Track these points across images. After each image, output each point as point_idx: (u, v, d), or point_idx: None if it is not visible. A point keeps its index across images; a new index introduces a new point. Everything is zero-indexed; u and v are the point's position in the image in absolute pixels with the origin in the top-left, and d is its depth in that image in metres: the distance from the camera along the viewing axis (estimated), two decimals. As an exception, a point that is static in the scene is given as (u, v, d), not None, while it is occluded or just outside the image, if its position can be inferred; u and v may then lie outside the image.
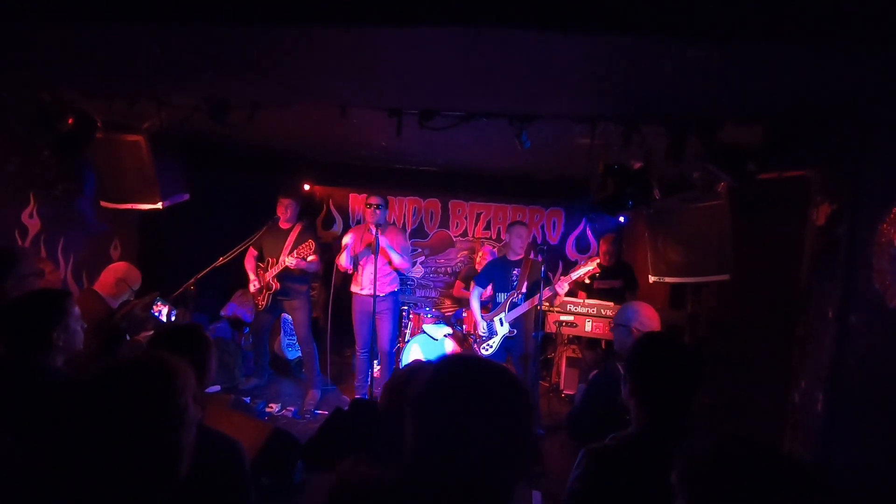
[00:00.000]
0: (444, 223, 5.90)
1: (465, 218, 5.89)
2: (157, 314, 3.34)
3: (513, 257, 3.80)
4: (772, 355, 3.05)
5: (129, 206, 3.38)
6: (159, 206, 3.33)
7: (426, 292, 5.85)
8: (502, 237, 5.81)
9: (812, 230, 2.76)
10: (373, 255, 3.89)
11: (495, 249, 5.55)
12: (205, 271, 3.94)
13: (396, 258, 4.05)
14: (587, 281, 3.63)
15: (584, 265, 3.62)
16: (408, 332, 4.95)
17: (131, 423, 0.91)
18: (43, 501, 0.94)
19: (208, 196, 3.99)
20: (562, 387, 4.84)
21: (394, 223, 4.27)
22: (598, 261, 3.62)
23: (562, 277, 3.64)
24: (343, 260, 4.11)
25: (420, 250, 5.81)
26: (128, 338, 2.87)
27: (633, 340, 1.81)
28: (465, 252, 5.83)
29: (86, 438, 0.91)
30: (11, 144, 3.11)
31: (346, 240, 4.16)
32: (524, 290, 3.69)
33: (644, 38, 1.23)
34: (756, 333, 3.31)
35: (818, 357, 2.45)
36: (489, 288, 4.00)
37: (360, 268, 4.17)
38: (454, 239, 5.90)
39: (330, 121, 2.34)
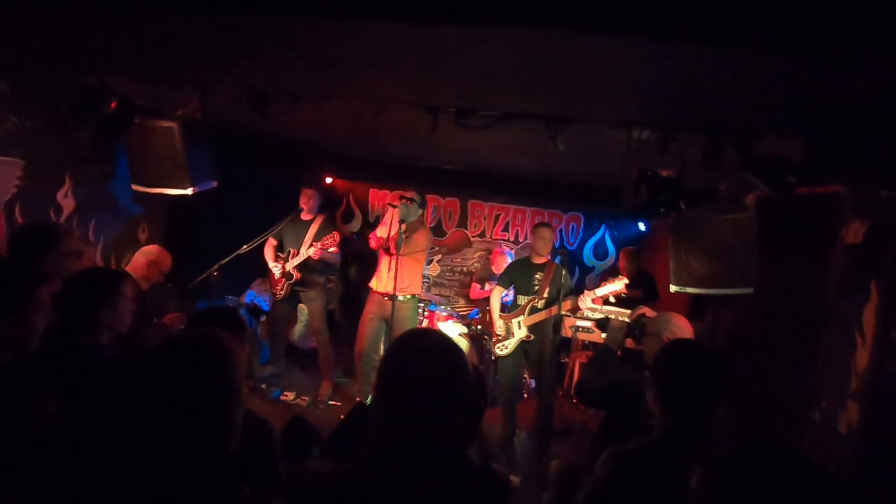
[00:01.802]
0: (463, 223, 5.92)
1: (484, 218, 5.91)
2: None
3: (536, 260, 3.78)
4: (791, 372, 3.03)
5: (159, 190, 3.45)
6: (189, 191, 3.39)
7: (441, 290, 5.87)
8: (520, 239, 5.82)
9: (841, 246, 2.74)
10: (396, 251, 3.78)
11: (512, 251, 5.58)
12: (228, 258, 4.01)
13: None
14: (612, 300, 3.56)
15: (611, 283, 3.53)
16: (422, 329, 4.98)
17: (191, 399, 0.92)
18: (89, 476, 0.94)
19: (233, 185, 4.04)
20: (574, 392, 4.83)
21: (422, 224, 4.10)
22: (625, 281, 3.53)
23: (586, 293, 3.60)
24: (380, 231, 3.92)
25: (437, 248, 5.84)
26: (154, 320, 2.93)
27: None
28: (482, 252, 5.85)
29: (144, 414, 0.92)
30: (52, 125, 3.20)
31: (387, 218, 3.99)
32: (545, 295, 3.68)
33: (714, 47, 1.23)
34: (776, 349, 3.28)
35: (843, 375, 2.43)
36: (510, 289, 4.00)
37: (381, 262, 4.04)
38: (471, 239, 5.92)
39: (365, 116, 2.37)
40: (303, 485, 0.98)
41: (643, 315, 2.31)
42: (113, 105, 2.54)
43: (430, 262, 5.75)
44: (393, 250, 3.68)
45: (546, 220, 5.72)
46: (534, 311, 3.69)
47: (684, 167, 2.13)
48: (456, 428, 0.96)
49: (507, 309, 3.94)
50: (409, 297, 4.01)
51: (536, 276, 3.74)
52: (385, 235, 3.88)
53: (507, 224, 5.88)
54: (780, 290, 3.08)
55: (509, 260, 5.31)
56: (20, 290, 1.33)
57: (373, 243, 4.02)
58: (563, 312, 3.55)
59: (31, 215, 3.15)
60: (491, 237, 5.88)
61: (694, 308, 4.40)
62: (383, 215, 5.10)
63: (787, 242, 3.14)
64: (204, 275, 3.93)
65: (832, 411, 2.59)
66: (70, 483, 0.90)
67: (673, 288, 3.28)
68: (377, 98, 2.19)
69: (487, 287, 5.11)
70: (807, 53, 1.33)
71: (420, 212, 3.96)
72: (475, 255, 5.91)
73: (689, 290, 3.21)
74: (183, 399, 0.91)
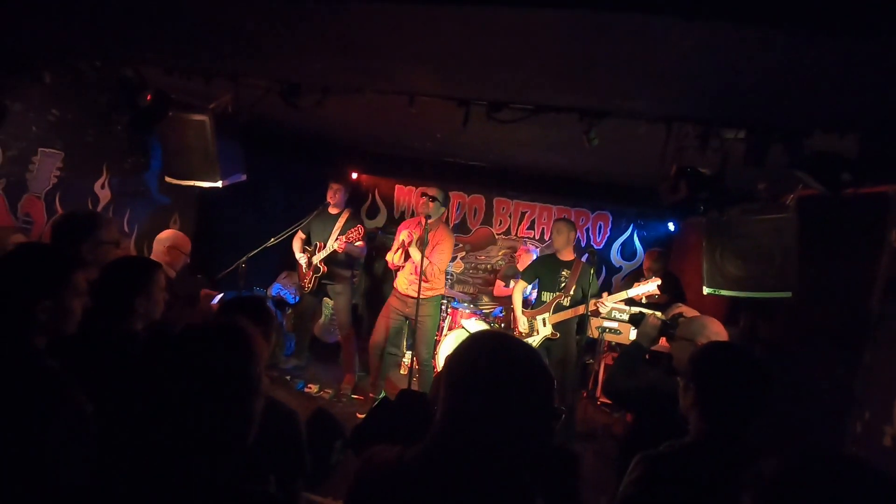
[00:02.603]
0: (488, 220, 5.88)
1: (509, 216, 5.85)
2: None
3: (563, 257, 3.71)
4: (831, 382, 2.90)
5: (190, 182, 3.52)
6: (219, 184, 3.45)
7: (465, 287, 5.85)
8: (545, 237, 5.74)
9: (889, 253, 2.60)
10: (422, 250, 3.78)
11: (538, 249, 5.51)
12: (256, 251, 4.07)
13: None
14: (644, 301, 3.45)
15: (644, 283, 3.44)
16: (445, 326, 4.96)
17: (209, 387, 0.91)
18: (118, 463, 0.95)
19: (262, 179, 4.11)
20: (598, 394, 4.75)
21: (445, 221, 4.10)
22: (658, 282, 3.41)
23: (605, 296, 3.52)
24: (393, 258, 3.99)
25: (461, 245, 5.80)
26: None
27: None
28: (507, 250, 5.79)
29: (163, 400, 0.92)
30: (90, 117, 3.30)
31: (403, 236, 4.03)
32: (571, 293, 3.61)
33: (759, 30, 1.16)
34: (815, 358, 3.14)
35: (889, 387, 2.31)
36: (533, 285, 3.95)
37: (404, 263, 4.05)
38: (496, 236, 5.87)
39: (395, 109, 2.35)
40: (368, 469, 0.95)
41: (680, 315, 2.23)
42: (148, 97, 2.59)
43: (454, 259, 5.74)
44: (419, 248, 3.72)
45: (572, 219, 5.64)
46: (559, 308, 3.63)
47: (726, 164, 2.04)
48: (527, 442, 0.91)
49: (531, 305, 3.89)
50: (431, 297, 4.04)
51: (563, 272, 3.68)
52: (398, 263, 4.01)
53: (533, 222, 5.81)
54: (822, 295, 2.95)
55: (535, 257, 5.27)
56: (58, 275, 1.35)
57: (392, 266, 4.11)
58: (588, 312, 3.49)
59: (70, 205, 3.25)
60: (516, 235, 5.82)
61: (728, 313, 4.26)
62: (408, 212, 5.10)
63: (830, 246, 3.00)
64: (232, 266, 3.99)
65: (876, 424, 2.46)
66: (98, 472, 0.90)
67: (706, 290, 3.17)
68: (408, 90, 2.16)
69: (512, 284, 5.07)
70: (862, 39, 1.24)
71: (443, 210, 3.96)
72: (499, 253, 5.86)
73: (723, 292, 3.10)
74: (199, 385, 0.91)
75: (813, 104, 1.68)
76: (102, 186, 3.52)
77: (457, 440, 0.90)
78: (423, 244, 3.75)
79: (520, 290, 3.87)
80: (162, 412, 0.90)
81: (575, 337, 3.63)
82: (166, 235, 3.10)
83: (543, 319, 3.70)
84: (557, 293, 3.65)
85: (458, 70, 1.82)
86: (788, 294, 2.78)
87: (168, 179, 3.63)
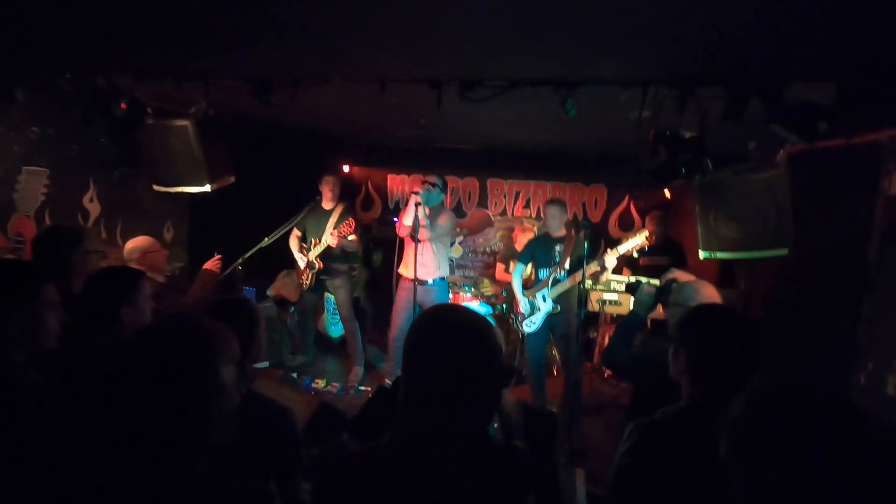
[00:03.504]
0: (483, 202, 5.85)
1: (504, 196, 5.82)
2: None
3: (555, 234, 3.70)
4: (833, 335, 2.88)
5: (179, 189, 3.51)
6: (208, 188, 3.44)
7: (465, 272, 5.84)
8: (542, 215, 5.71)
9: (884, 201, 2.56)
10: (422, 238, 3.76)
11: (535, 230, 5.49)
12: (251, 252, 4.07)
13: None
14: (635, 255, 3.45)
15: (633, 237, 3.45)
16: (448, 311, 4.97)
17: (159, 381, 0.91)
18: (104, 473, 0.93)
19: (252, 179, 4.10)
20: (601, 359, 4.76)
21: (443, 206, 4.09)
22: (646, 233, 3.43)
23: (608, 250, 3.50)
24: (407, 218, 3.83)
25: (458, 230, 5.79)
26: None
27: None
28: (504, 231, 5.77)
29: (121, 397, 0.92)
30: (71, 132, 3.28)
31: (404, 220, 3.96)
32: (567, 265, 3.60)
33: None
34: (816, 312, 3.13)
35: (891, 336, 2.29)
36: (530, 265, 3.94)
37: (408, 248, 4.03)
38: (493, 218, 5.85)
39: (370, 97, 2.32)
40: (330, 461, 0.97)
41: (674, 280, 2.20)
42: (123, 106, 2.57)
43: (452, 244, 5.72)
44: (419, 236, 3.68)
45: (567, 194, 5.60)
46: (556, 282, 3.62)
47: (706, 125, 2.00)
48: (480, 404, 0.95)
49: (531, 285, 3.88)
50: (438, 279, 4.03)
51: (556, 248, 3.67)
52: (409, 223, 3.87)
53: (528, 201, 5.77)
54: (819, 249, 2.92)
55: (532, 236, 5.24)
56: (26, 288, 1.35)
57: (399, 231, 4.02)
58: (588, 279, 3.47)
59: (60, 221, 3.25)
60: (512, 215, 5.79)
61: (725, 275, 4.24)
62: (406, 202, 5.06)
63: (824, 199, 2.97)
64: (229, 269, 3.99)
65: (879, 374, 2.45)
66: (87, 478, 0.91)
67: (702, 254, 3.15)
68: (377, 75, 2.13)
69: (512, 265, 5.06)
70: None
71: (442, 196, 3.99)
72: (497, 235, 5.84)
73: (720, 255, 3.08)
74: (152, 382, 0.91)
75: (789, 53, 1.64)
76: (91, 200, 3.52)
77: (413, 419, 0.93)
78: (417, 230, 3.72)
79: (518, 273, 3.87)
80: (124, 411, 0.91)
81: (575, 311, 3.63)
82: (131, 247, 2.97)
83: (543, 296, 3.69)
84: (553, 267, 3.65)
85: (423, 49, 1.79)
86: (785, 251, 2.75)
87: (156, 188, 3.62)
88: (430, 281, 3.98)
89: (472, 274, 5.86)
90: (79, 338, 1.69)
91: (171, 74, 2.42)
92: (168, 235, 4.36)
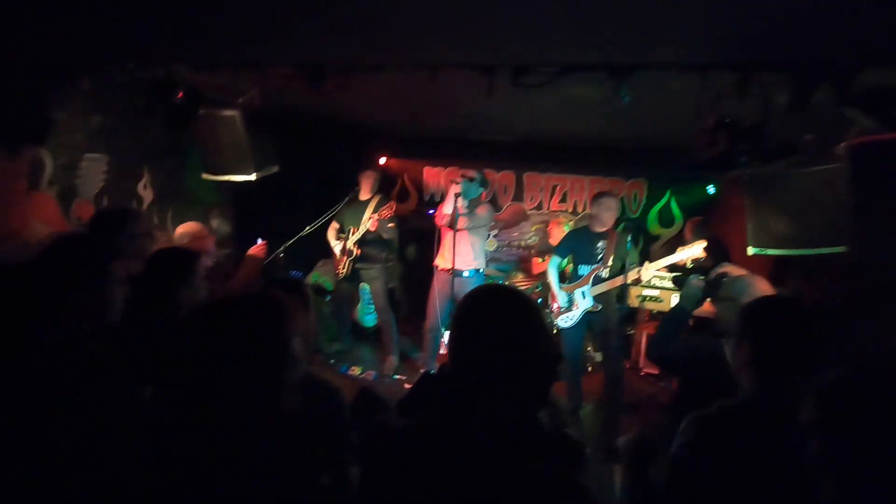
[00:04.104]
0: (518, 196, 5.80)
1: (541, 190, 5.75)
2: None
3: (598, 229, 3.61)
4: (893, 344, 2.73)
5: (225, 177, 3.63)
6: (253, 177, 3.55)
7: (499, 266, 5.82)
8: (579, 210, 5.63)
9: (956, 196, 2.41)
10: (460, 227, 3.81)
11: (571, 223, 5.42)
12: (292, 240, 4.18)
13: None
14: (689, 266, 3.29)
15: (689, 247, 3.30)
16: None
17: (237, 351, 0.93)
18: (174, 450, 0.95)
19: (293, 169, 4.20)
20: (641, 364, 4.67)
21: (481, 199, 4.12)
22: (704, 244, 3.23)
23: (647, 264, 3.39)
24: (447, 207, 3.91)
25: (493, 223, 5.76)
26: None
27: None
28: (540, 226, 5.71)
29: (195, 368, 0.94)
30: (129, 121, 3.44)
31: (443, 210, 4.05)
32: (610, 263, 3.53)
33: None
34: (874, 318, 2.97)
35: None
36: (568, 259, 3.88)
37: (445, 239, 4.09)
38: (528, 212, 5.80)
39: (418, 88, 2.34)
40: (376, 435, 0.98)
41: (724, 275, 2.13)
42: (180, 95, 2.68)
43: (486, 238, 5.71)
44: (457, 226, 3.72)
45: (607, 189, 5.50)
46: (598, 280, 3.55)
47: (769, 113, 1.92)
48: (529, 387, 0.94)
49: (568, 279, 3.83)
50: (474, 271, 4.05)
51: (599, 244, 3.59)
52: (449, 212, 3.91)
53: (565, 195, 5.69)
54: (881, 248, 2.76)
55: (566, 230, 5.17)
56: (96, 264, 1.42)
57: (438, 220, 4.07)
58: (629, 282, 3.41)
59: (117, 206, 3.40)
60: (548, 209, 5.73)
61: (774, 274, 4.08)
62: (446, 193, 5.07)
63: (887, 195, 2.81)
64: (271, 256, 4.11)
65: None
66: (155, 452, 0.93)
67: (751, 250, 3.05)
68: (429, 63, 2.14)
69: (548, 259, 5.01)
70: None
71: (481, 190, 4.01)
72: (532, 229, 5.79)
73: (771, 251, 2.97)
74: (232, 348, 0.92)
75: (863, 35, 1.55)
76: (145, 187, 3.68)
77: (459, 396, 0.92)
78: (455, 222, 3.77)
79: (554, 266, 3.82)
80: (196, 378, 0.93)
81: (615, 307, 3.56)
82: (183, 230, 3.05)
83: (583, 292, 3.63)
84: (596, 265, 3.57)
85: (478, 36, 1.78)
86: (843, 249, 2.63)
87: (204, 176, 3.76)
88: (466, 272, 4.00)
89: (506, 268, 5.83)
90: (139, 314, 1.77)
91: (227, 63, 2.49)
92: (214, 222, 4.51)
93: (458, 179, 3.77)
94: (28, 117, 2.73)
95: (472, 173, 3.88)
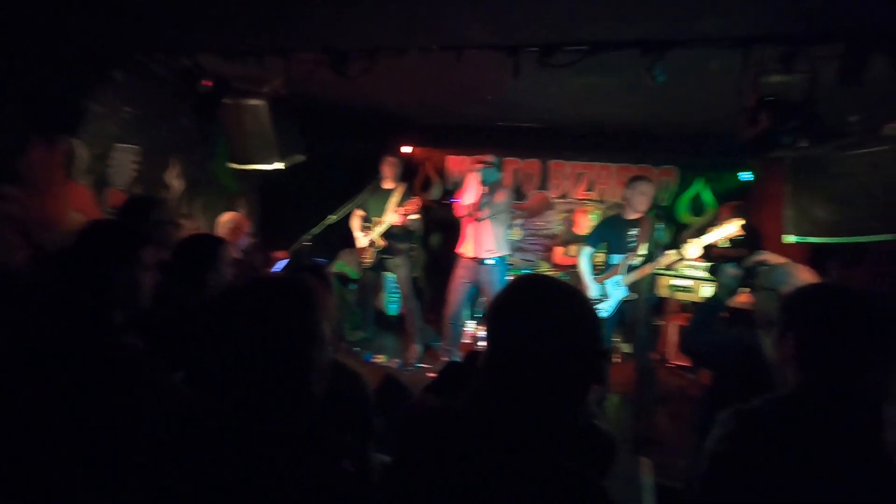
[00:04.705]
0: (543, 184, 5.70)
1: (566, 179, 5.64)
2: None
3: (630, 215, 3.49)
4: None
5: (252, 166, 3.67)
6: (279, 165, 3.58)
7: (524, 255, 5.75)
8: (605, 198, 5.50)
9: None
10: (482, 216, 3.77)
11: (598, 212, 5.32)
12: (317, 228, 4.22)
13: None
14: (728, 245, 3.15)
15: (725, 224, 3.17)
16: (506, 294, 4.92)
17: (271, 331, 0.93)
18: (205, 427, 0.96)
19: (319, 158, 4.23)
20: (670, 356, 4.56)
21: (500, 184, 4.11)
22: (741, 222, 3.06)
23: (692, 240, 3.27)
24: (466, 196, 3.96)
25: (518, 213, 5.69)
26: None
27: None
28: (565, 214, 5.61)
29: (228, 349, 0.94)
30: (159, 112, 3.50)
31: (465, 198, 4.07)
32: (642, 251, 3.42)
33: None
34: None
35: None
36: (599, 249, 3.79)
37: (467, 227, 4.07)
38: (553, 201, 5.70)
39: (442, 73, 2.29)
40: (410, 414, 0.96)
41: (763, 262, 2.02)
42: (208, 83, 2.70)
43: (510, 228, 5.65)
44: (478, 214, 3.69)
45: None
46: (631, 269, 3.44)
47: (815, 89, 1.80)
48: (571, 382, 0.89)
49: (600, 269, 3.74)
50: (497, 259, 4.02)
51: (630, 232, 3.47)
52: (469, 202, 3.87)
53: (592, 183, 5.57)
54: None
55: (592, 219, 5.06)
56: (130, 250, 1.44)
57: (458, 211, 4.05)
58: (665, 266, 3.30)
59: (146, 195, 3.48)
60: (574, 198, 5.62)
61: (814, 264, 3.89)
62: (463, 182, 5.04)
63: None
64: (296, 244, 4.16)
65: None
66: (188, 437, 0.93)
67: (791, 238, 2.92)
68: (453, 43, 2.08)
69: (571, 250, 4.92)
70: None
71: (499, 174, 3.98)
72: (557, 218, 5.69)
73: (812, 239, 2.84)
74: (263, 331, 0.92)
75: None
76: (175, 176, 3.75)
77: (496, 384, 0.89)
78: (481, 208, 3.73)
79: (587, 256, 3.71)
80: (228, 362, 0.93)
81: (645, 296, 3.46)
82: (228, 218, 3.24)
83: (616, 282, 3.55)
84: (627, 254, 3.46)
85: (506, 11, 1.72)
86: (892, 236, 2.49)
87: (231, 165, 3.81)
88: (488, 260, 3.96)
89: (531, 257, 5.76)
90: (169, 299, 1.80)
91: (254, 51, 2.50)
92: (242, 211, 4.57)
93: (477, 166, 3.73)
94: (63, 109, 2.80)
95: (490, 158, 3.87)
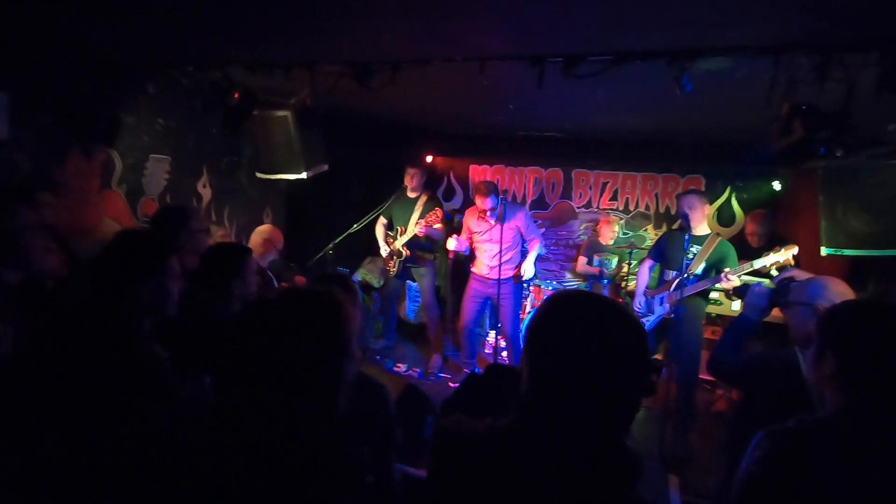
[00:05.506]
0: (567, 194, 5.65)
1: (590, 188, 5.58)
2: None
3: (697, 231, 3.37)
4: None
5: (278, 176, 3.74)
6: (304, 175, 3.63)
7: (546, 265, 5.70)
8: (630, 207, 5.42)
9: None
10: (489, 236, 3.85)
11: (622, 222, 5.25)
12: (341, 237, 4.26)
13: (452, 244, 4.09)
14: (774, 273, 3.06)
15: (776, 253, 3.03)
16: (528, 304, 4.88)
17: (301, 343, 0.92)
18: (231, 438, 0.96)
19: (343, 168, 4.28)
20: (707, 367, 4.43)
21: (508, 201, 4.22)
22: (794, 250, 3.00)
23: (734, 270, 3.19)
24: (452, 244, 4.10)
25: (540, 222, 5.65)
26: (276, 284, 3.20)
27: None
28: (589, 224, 5.54)
29: (256, 359, 0.94)
30: (189, 123, 3.61)
31: (471, 224, 4.17)
32: (697, 270, 3.30)
33: None
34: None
35: None
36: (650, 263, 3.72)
37: (476, 249, 4.16)
38: (576, 210, 5.64)
39: (465, 83, 2.30)
40: (449, 434, 0.94)
41: (791, 280, 1.95)
42: (236, 96, 2.77)
43: (519, 241, 5.61)
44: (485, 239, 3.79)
45: (660, 186, 5.26)
46: (681, 286, 3.33)
47: (851, 97, 1.74)
48: (623, 400, 0.85)
49: (652, 284, 3.69)
50: (508, 278, 4.07)
51: (692, 248, 3.33)
52: (453, 248, 4.13)
53: (616, 192, 5.49)
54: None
55: (616, 229, 4.98)
56: (159, 258, 1.47)
57: (452, 251, 4.22)
58: (721, 292, 3.23)
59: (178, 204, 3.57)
60: (598, 207, 5.55)
61: (850, 278, 3.74)
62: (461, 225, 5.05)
63: None
64: (320, 253, 4.21)
65: None
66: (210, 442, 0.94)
67: (825, 251, 2.81)
68: (477, 54, 2.09)
69: (596, 260, 4.85)
70: None
71: (501, 200, 4.00)
72: (581, 228, 5.63)
73: (847, 251, 2.73)
74: (295, 345, 0.92)
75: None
76: (204, 186, 3.85)
77: (543, 407, 0.86)
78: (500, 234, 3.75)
79: (646, 269, 3.62)
80: (257, 373, 0.93)
81: (695, 313, 3.37)
82: (264, 229, 3.33)
83: (661, 298, 3.47)
84: (681, 272, 3.29)
85: (529, 21, 1.71)
86: (934, 249, 2.38)
87: (258, 175, 3.89)
88: (502, 279, 3.95)
89: (553, 267, 5.70)
90: (195, 307, 1.84)
91: (281, 64, 2.56)
92: (267, 221, 4.66)
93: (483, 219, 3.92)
94: (100, 120, 2.91)
95: (483, 187, 3.90)
